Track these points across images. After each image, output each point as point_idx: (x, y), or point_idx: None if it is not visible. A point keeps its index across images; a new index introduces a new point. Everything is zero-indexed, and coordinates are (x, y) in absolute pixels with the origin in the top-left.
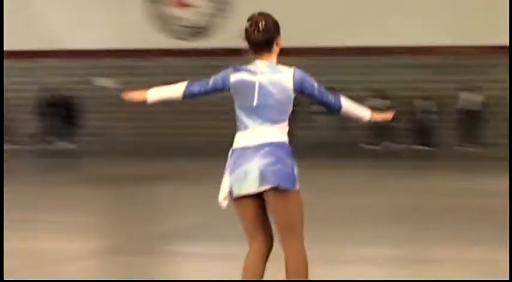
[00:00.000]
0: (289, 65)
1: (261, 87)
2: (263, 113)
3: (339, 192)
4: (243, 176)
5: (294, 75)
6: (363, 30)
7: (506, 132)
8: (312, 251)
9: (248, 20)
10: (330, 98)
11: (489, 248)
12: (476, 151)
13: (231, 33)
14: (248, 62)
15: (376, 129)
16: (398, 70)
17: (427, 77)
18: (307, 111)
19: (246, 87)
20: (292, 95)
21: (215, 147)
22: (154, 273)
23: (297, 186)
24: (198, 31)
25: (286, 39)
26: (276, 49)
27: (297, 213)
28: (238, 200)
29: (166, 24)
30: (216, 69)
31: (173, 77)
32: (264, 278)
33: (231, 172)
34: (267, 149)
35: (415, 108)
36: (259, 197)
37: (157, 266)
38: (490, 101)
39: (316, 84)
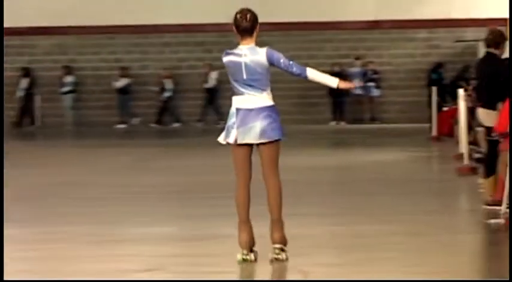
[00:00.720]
0: None
1: (246, 65)
2: (252, 83)
3: (115, 172)
4: (248, 131)
5: (266, 53)
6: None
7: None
8: (84, 231)
9: (238, 12)
10: (295, 69)
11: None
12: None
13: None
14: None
15: (123, 109)
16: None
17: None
18: (56, 92)
19: (236, 66)
20: (269, 68)
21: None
22: None
23: (283, 136)
24: None
25: None
26: (255, 35)
27: (277, 155)
28: (238, 145)
29: None
30: None
31: None
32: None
33: (239, 126)
34: (266, 112)
35: (163, 86)
36: (250, 146)
37: None
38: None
39: (282, 59)
